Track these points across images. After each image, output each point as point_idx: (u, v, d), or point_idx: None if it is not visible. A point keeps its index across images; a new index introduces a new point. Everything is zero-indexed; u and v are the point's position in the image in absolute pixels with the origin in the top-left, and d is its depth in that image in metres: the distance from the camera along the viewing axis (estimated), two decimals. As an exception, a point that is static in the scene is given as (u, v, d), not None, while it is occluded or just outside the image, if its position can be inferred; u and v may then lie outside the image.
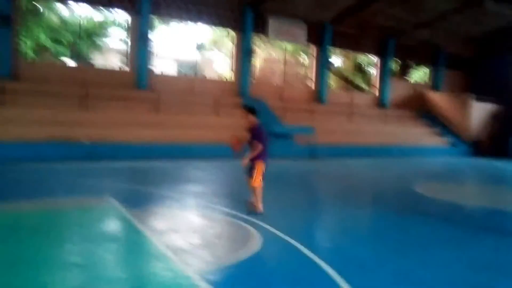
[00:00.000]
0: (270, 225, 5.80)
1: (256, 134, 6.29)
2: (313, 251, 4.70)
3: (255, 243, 4.95)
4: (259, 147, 6.16)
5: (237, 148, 6.44)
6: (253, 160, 6.29)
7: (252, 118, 6.38)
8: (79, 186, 8.64)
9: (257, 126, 6.38)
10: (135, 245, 4.81)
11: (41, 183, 8.91)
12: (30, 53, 19.38)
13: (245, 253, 4.54)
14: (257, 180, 6.29)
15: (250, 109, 6.45)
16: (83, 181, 9.19)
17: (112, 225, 5.67)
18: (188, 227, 5.63)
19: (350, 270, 4.18)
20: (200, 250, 4.62)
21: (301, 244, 4.96)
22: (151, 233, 5.10)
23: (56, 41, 21.75)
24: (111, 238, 4.93)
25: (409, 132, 23.59)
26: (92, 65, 19.79)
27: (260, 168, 6.31)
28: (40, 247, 4.46)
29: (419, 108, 26.59)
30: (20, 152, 12.08)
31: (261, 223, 5.87)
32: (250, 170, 6.38)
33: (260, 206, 6.36)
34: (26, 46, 18.27)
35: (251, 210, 6.35)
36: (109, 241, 4.77)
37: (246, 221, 5.98)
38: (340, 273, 4.04)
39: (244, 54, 20.35)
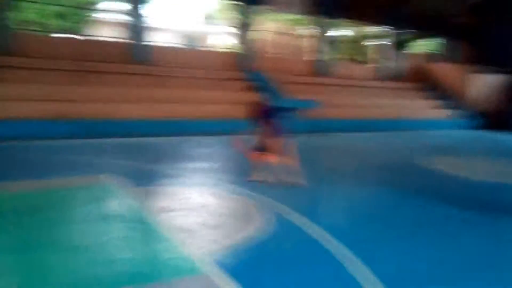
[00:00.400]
0: (279, 202, 5.62)
1: (265, 113, 6.37)
2: (325, 229, 4.54)
3: (264, 221, 4.79)
4: (273, 125, 6.30)
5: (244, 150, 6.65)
6: (269, 138, 6.41)
7: (257, 99, 6.41)
8: (78, 164, 8.39)
9: (264, 105, 6.48)
10: (137, 225, 4.64)
11: (38, 162, 8.68)
12: (23, 27, 18.80)
13: (253, 232, 4.39)
14: (275, 155, 6.44)
15: (254, 89, 6.46)
16: (83, 158, 8.96)
17: (114, 205, 5.48)
18: (193, 205, 5.43)
19: (363, 250, 4.02)
20: (206, 229, 4.46)
21: (313, 222, 4.79)
22: (151, 212, 4.93)
23: (50, 14, 21.14)
24: (113, 218, 4.75)
25: (412, 105, 23.23)
26: (88, 37, 19.25)
27: (277, 145, 6.44)
28: (41, 229, 4.32)
29: (421, 80, 26.14)
30: (15, 130, 11.76)
31: (270, 200, 5.69)
32: (265, 148, 6.46)
33: (296, 179, 6.46)
34: (18, 20, 17.66)
35: (290, 183, 6.42)
36: (110, 222, 4.60)
37: (254, 198, 5.79)
38: (353, 252, 3.90)
39: (244, 26, 19.77)
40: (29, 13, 20.62)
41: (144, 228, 4.46)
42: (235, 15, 20.01)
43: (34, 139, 11.54)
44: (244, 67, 19.68)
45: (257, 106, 6.45)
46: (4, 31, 15.05)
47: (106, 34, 21.43)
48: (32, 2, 20.18)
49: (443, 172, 8.91)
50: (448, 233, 4.71)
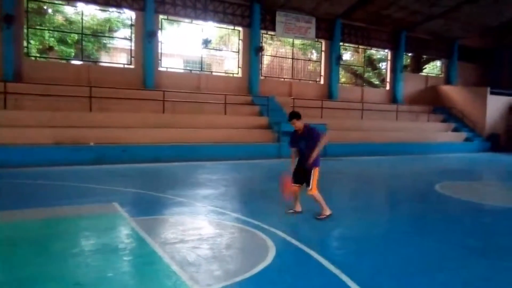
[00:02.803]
0: (284, 233, 5.42)
1: (312, 136, 6.19)
2: (332, 261, 4.32)
3: (269, 253, 4.58)
4: (320, 143, 6.11)
5: (289, 191, 6.32)
6: (309, 167, 6.16)
7: (299, 124, 6.25)
8: (84, 192, 8.31)
9: (309, 128, 6.28)
10: (140, 259, 4.45)
11: (45, 189, 8.60)
12: (35, 54, 19.15)
13: (257, 266, 4.17)
14: (315, 187, 6.22)
15: (296, 115, 6.27)
16: (89, 186, 8.87)
17: (117, 237, 5.31)
18: (197, 236, 5.24)
19: (375, 285, 3.77)
20: (209, 263, 4.26)
21: (319, 254, 4.57)
22: (157, 244, 4.76)
23: (61, 40, 21.54)
24: (115, 252, 4.57)
25: (423, 128, 23.02)
26: (97, 64, 19.50)
27: (316, 174, 6.25)
28: (42, 263, 4.16)
29: (433, 102, 25.96)
30: (23, 156, 11.81)
31: (274, 230, 5.49)
32: (303, 177, 6.26)
33: (327, 209, 6.27)
34: (30, 46, 18.00)
35: (319, 218, 6.19)
36: (112, 256, 4.42)
37: (259, 229, 5.60)
38: (361, 285, 3.68)
39: (252, 51, 19.94)
40: (44, 40, 21.07)
41: (152, 262, 4.27)
42: (242, 40, 20.19)
43: (45, 165, 11.53)
44: (251, 91, 19.74)
45: (304, 134, 6.26)
46: (18, 58, 15.32)
47: (117, 60, 21.74)
48: (48, 30, 20.64)
49: (457, 199, 8.63)
50: (461, 261, 4.47)
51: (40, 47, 21.15)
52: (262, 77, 20.95)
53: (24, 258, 4.30)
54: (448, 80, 27.33)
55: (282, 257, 4.52)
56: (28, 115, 13.44)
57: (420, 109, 24.98)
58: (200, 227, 5.73)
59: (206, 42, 19.98)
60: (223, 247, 4.82)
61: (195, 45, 20.16)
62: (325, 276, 3.98)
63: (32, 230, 5.39)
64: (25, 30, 15.98)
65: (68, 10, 20.41)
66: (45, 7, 20.39)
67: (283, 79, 22.29)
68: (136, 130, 14.47)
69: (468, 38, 26.30)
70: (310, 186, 6.18)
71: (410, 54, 27.24)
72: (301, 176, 6.30)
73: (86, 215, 6.27)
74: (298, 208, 6.55)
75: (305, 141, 6.21)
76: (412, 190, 10.08)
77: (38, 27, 19.66)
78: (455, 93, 25.80)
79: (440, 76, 28.06)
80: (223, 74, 22.08)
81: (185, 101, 16.97)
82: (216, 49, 23.04)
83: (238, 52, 20.55)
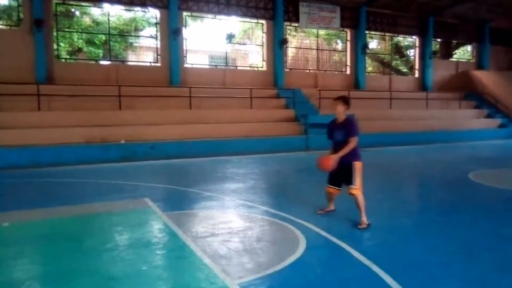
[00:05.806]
0: (313, 225, 5.40)
1: (350, 127, 5.45)
2: (363, 253, 4.28)
3: (299, 245, 4.58)
4: (354, 141, 5.37)
5: (329, 166, 5.44)
6: (347, 161, 5.41)
7: (342, 109, 5.53)
8: (116, 188, 8.52)
9: (350, 120, 5.57)
10: (173, 253, 4.53)
11: (77, 187, 8.86)
12: (65, 56, 19.68)
13: (288, 258, 4.18)
14: (359, 185, 5.44)
15: (344, 98, 5.53)
16: (120, 183, 9.07)
17: (150, 231, 5.42)
18: (227, 230, 5.29)
19: (407, 276, 3.72)
20: (240, 256, 4.30)
21: (350, 245, 4.53)
22: (189, 238, 4.83)
23: (90, 42, 22.07)
24: (148, 246, 4.67)
25: (455, 115, 22.35)
26: (124, 63, 19.87)
27: (360, 169, 5.47)
28: (77, 258, 4.29)
29: (464, 88, 25.15)
30: (56, 156, 12.16)
31: (304, 223, 5.48)
32: (343, 175, 5.52)
33: (365, 218, 5.41)
34: (60, 48, 18.51)
35: (360, 227, 5.31)
36: (146, 250, 4.52)
37: (289, 221, 5.60)
38: (395, 278, 3.63)
39: (276, 44, 19.84)
40: (73, 42, 21.63)
41: (184, 256, 4.35)
42: (266, 33, 20.10)
43: (76, 164, 11.87)
44: (276, 84, 19.66)
45: (343, 124, 5.53)
46: (49, 61, 15.78)
47: (145, 59, 22.07)
48: (77, 32, 21.19)
49: (491, 187, 8.37)
50: (503, 250, 4.33)
51: (70, 49, 21.74)
52: (287, 70, 20.83)
53: (60, 254, 4.46)
54: (479, 65, 26.40)
55: (312, 249, 4.51)
56: (59, 116, 13.86)
57: (451, 96, 24.25)
58: (230, 221, 5.78)
59: (230, 37, 20.03)
60: (254, 240, 4.85)
61: (219, 41, 20.25)
62: (357, 268, 3.95)
63: (67, 227, 5.57)
64: (54, 33, 16.46)
65: (95, 11, 20.84)
66: (72, 10, 20.93)
67: (308, 71, 22.08)
68: (163, 127, 14.69)
69: (498, 20, 25.28)
70: (354, 184, 5.38)
71: (439, 40, 26.45)
72: (341, 176, 5.58)
73: (118, 211, 6.43)
74: (331, 207, 6.03)
75: (343, 132, 5.48)
76: (444, 179, 9.81)
77: (67, 29, 20.21)
78: (487, 78, 24.89)
79: (471, 61, 27.15)
80: (248, 68, 22.07)
81: (211, 96, 17.08)
82: (240, 44, 23.06)
83: (262, 45, 20.50)
